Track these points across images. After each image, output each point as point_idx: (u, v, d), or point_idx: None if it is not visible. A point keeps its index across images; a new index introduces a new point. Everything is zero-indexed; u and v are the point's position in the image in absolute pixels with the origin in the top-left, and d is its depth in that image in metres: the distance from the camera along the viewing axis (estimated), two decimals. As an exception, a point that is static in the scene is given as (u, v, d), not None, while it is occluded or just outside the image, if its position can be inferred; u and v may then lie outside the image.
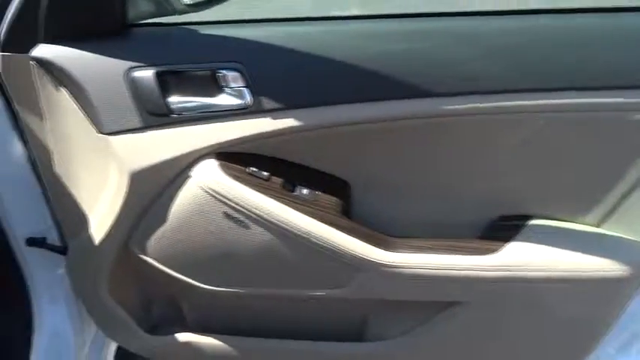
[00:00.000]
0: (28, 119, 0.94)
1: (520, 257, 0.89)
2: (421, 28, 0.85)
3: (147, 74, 0.82)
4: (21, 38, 0.86)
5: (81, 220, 1.00)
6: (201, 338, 1.09)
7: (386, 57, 0.82)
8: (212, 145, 0.84)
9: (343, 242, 0.87)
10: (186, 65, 0.83)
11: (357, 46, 0.83)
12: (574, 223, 0.95)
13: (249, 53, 0.82)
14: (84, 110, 0.86)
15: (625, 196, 0.91)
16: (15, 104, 0.94)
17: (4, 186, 1.04)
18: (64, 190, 0.99)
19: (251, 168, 0.86)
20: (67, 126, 0.91)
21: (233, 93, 0.83)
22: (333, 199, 0.90)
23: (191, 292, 0.99)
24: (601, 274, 0.87)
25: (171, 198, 0.88)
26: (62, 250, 1.12)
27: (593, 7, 0.87)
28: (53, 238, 1.14)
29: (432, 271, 0.88)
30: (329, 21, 0.92)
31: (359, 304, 0.99)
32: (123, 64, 0.83)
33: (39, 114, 0.92)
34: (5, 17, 0.86)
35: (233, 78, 0.82)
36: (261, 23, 0.89)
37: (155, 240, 0.93)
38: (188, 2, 0.95)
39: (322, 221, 0.87)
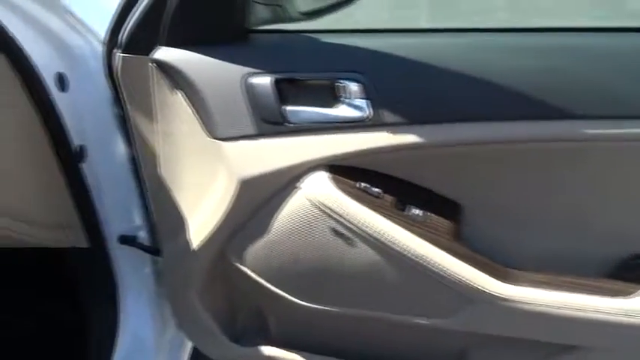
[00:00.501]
0: (138, 119, 0.95)
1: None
2: (558, 43, 0.78)
3: (264, 81, 0.81)
4: (142, 41, 0.87)
5: (179, 222, 1.00)
6: (286, 354, 1.06)
7: (519, 73, 0.76)
8: (325, 158, 0.81)
9: (457, 269, 0.81)
10: (305, 74, 0.81)
11: (487, 60, 0.77)
12: None
13: (370, 64, 0.79)
14: (197, 114, 0.86)
15: None
16: (127, 104, 0.95)
17: (104, 182, 1.06)
18: (165, 192, 0.99)
19: (362, 183, 0.83)
20: (177, 128, 0.91)
21: (352, 104, 0.79)
22: (446, 221, 0.85)
23: (282, 306, 0.96)
24: None
25: (277, 208, 0.85)
26: (152, 250, 1.14)
27: None
28: (142, 238, 1.15)
29: (552, 310, 0.80)
30: (455, 33, 0.87)
31: (461, 337, 0.92)
32: (241, 70, 0.82)
33: (150, 115, 0.93)
34: (128, 20, 0.88)
35: (353, 89, 0.79)
36: (383, 33, 0.86)
37: (254, 249, 0.91)
38: (304, 10, 0.94)
39: (435, 245, 0.82)
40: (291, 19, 0.91)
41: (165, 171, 0.97)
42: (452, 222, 0.86)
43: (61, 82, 0.94)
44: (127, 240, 1.13)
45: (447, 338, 0.93)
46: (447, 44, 0.83)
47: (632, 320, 0.79)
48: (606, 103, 0.74)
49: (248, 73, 0.82)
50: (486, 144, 0.78)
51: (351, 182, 0.83)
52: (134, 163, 1.07)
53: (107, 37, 0.93)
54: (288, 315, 1.03)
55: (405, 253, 0.81)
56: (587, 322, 0.80)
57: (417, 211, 0.84)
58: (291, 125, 0.81)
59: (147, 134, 0.96)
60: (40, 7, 0.91)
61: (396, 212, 0.83)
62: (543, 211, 0.85)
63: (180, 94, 0.87)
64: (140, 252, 1.14)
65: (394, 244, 0.81)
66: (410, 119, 0.78)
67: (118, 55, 0.90)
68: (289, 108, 0.81)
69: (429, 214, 0.84)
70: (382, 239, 0.81)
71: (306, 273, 0.88)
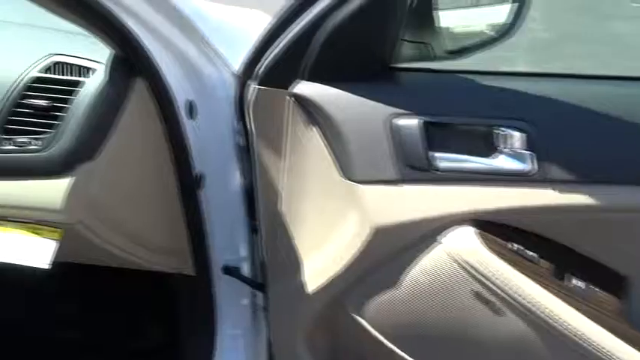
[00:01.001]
0: (264, 152, 0.93)
1: None
2: None
3: (412, 123, 0.75)
4: (281, 74, 0.85)
5: (294, 262, 0.95)
6: None
7: None
8: (473, 212, 0.73)
9: (622, 355, 0.69)
10: (459, 118, 0.74)
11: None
12: None
13: (537, 111, 0.71)
14: (333, 152, 0.81)
15: None
16: (254, 136, 0.93)
17: (215, 211, 1.04)
18: (283, 229, 0.95)
19: (515, 245, 0.73)
20: (307, 165, 0.87)
21: (512, 155, 0.71)
22: (610, 297, 0.73)
23: None
24: None
25: (411, 262, 0.78)
26: (255, 284, 1.10)
27: None
28: (245, 270, 1.12)
29: None
30: (622, 81, 0.77)
31: None
32: (386, 110, 0.76)
33: (278, 149, 0.90)
34: (268, 53, 0.86)
35: (514, 138, 0.71)
36: (549, 78, 0.77)
37: (378, 302, 0.83)
38: (450, 48, 0.87)
39: (598, 323, 0.70)
40: (438, 58, 0.85)
41: (286, 207, 0.93)
42: (617, 298, 0.74)
43: (191, 109, 0.94)
44: (230, 271, 1.11)
45: None
46: (619, 94, 0.73)
47: None
48: None
49: (394, 114, 0.76)
50: None
51: (503, 242, 0.73)
52: (248, 194, 1.05)
53: (242, 69, 0.92)
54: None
55: (563, 330, 0.70)
56: None
57: (578, 283, 0.73)
58: (439, 173, 0.74)
59: (271, 168, 0.93)
60: (180, 32, 0.92)
61: (554, 282, 0.72)
62: None
63: (315, 130, 0.83)
64: (241, 284, 1.11)
65: (550, 318, 0.70)
66: (580, 177, 0.69)
67: (253, 87, 0.88)
68: (438, 154, 0.74)
69: (591, 286, 0.73)
70: (536, 311, 0.71)
71: (437, 337, 0.79)
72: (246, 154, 1.00)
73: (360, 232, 0.80)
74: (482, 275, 0.72)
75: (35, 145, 0.84)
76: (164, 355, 1.27)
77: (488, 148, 0.72)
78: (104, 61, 0.89)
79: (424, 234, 0.76)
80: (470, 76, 0.78)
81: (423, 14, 0.84)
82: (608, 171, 0.68)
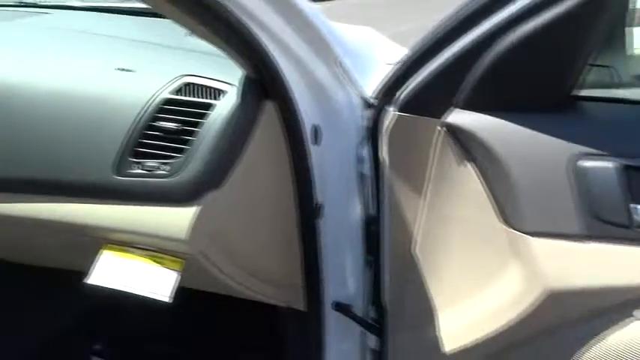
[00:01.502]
0: (399, 185, 0.83)
1: None
2: None
3: (605, 166, 0.61)
4: (431, 100, 0.74)
5: (428, 311, 0.84)
6: None
7: None
8: None
9: None
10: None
11: None
12: None
13: None
14: (494, 195, 0.69)
15: None
16: (387, 166, 0.83)
17: (331, 243, 0.96)
18: (415, 274, 0.84)
19: None
20: (456, 206, 0.75)
21: None
22: None
23: None
24: None
25: (593, 336, 0.63)
26: (367, 325, 1.00)
27: None
28: (357, 308, 1.03)
29: None
30: None
31: None
32: (568, 148, 0.63)
33: (417, 183, 0.80)
34: (414, 77, 0.77)
35: None
36: None
37: None
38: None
39: None
40: (624, 85, 0.70)
41: (421, 250, 0.82)
42: None
43: (316, 134, 0.86)
44: (342, 307, 1.02)
45: None
46: None
47: None
48: None
49: (579, 154, 0.63)
50: None
51: None
52: (368, 228, 0.95)
53: (379, 93, 0.83)
54: None
55: None
56: None
57: None
58: (641, 230, 0.60)
59: (406, 203, 0.83)
60: (315, 54, 0.84)
61: None
62: None
63: (470, 167, 0.71)
64: (351, 322, 1.02)
65: None
66: None
67: (393, 113, 0.78)
68: (641, 207, 0.60)
69: None
70: None
71: None
72: (373, 184, 0.91)
73: (526, 291, 0.66)
74: None
75: (164, 170, 0.79)
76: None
77: None
78: (234, 82, 0.85)
79: (614, 305, 0.61)
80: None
81: (610, 31, 0.71)
82: None
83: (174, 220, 0.79)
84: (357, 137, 0.92)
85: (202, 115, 0.80)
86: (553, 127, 0.65)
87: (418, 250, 0.82)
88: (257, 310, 1.19)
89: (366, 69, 0.97)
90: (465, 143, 0.70)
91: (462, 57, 0.69)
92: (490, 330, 0.71)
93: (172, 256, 0.83)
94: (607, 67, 0.71)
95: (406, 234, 0.84)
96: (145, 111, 0.81)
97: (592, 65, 0.70)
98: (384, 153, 0.84)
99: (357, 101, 0.93)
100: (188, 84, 0.84)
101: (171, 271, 0.82)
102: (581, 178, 0.62)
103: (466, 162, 0.71)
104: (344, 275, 1.03)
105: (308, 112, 0.84)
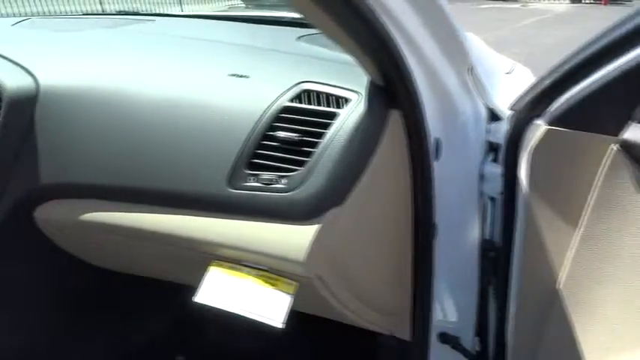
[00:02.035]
0: (542, 209, 0.72)
1: None
2: None
3: None
4: (598, 114, 0.63)
5: (574, 356, 0.71)
6: None
7: None
8: None
9: None
10: None
11: None
12: None
13: None
14: None
15: None
16: (526, 186, 0.72)
17: (442, 268, 0.85)
18: (562, 313, 0.72)
19: None
20: (626, 236, 0.63)
21: None
22: None
23: None
24: None
25: None
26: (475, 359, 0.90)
27: None
28: (465, 341, 0.92)
29: None
30: None
31: None
32: None
33: (574, 208, 0.69)
34: (571, 90, 0.66)
35: None
36: None
37: None
38: None
39: None
40: None
41: (570, 287, 0.70)
42: None
43: (437, 148, 0.76)
44: (449, 339, 0.92)
45: None
46: None
47: None
48: None
49: None
50: None
51: None
52: (487, 253, 0.84)
53: (524, 104, 0.72)
54: None
55: None
56: None
57: None
58: None
59: (552, 231, 0.71)
60: (447, 59, 0.74)
61: None
62: None
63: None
64: (457, 355, 0.92)
65: None
66: None
67: (543, 127, 0.67)
68: None
69: None
70: None
71: None
72: (500, 205, 0.80)
73: None
74: None
75: (281, 184, 0.72)
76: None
77: None
78: (358, 89, 0.77)
79: None
80: None
81: None
82: None
83: (292, 239, 0.72)
84: (479, 152, 0.82)
85: (325, 125, 0.72)
86: None
87: (565, 286, 0.70)
88: (355, 336, 1.10)
89: (491, 78, 0.86)
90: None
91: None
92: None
93: (287, 278, 0.76)
94: None
95: (549, 266, 0.72)
96: (262, 119, 0.75)
97: None
98: (523, 171, 0.73)
99: (482, 113, 0.83)
100: (307, 91, 0.77)
101: (285, 294, 0.75)
102: None
103: None
104: (455, 304, 0.92)
105: (434, 125, 0.75)
